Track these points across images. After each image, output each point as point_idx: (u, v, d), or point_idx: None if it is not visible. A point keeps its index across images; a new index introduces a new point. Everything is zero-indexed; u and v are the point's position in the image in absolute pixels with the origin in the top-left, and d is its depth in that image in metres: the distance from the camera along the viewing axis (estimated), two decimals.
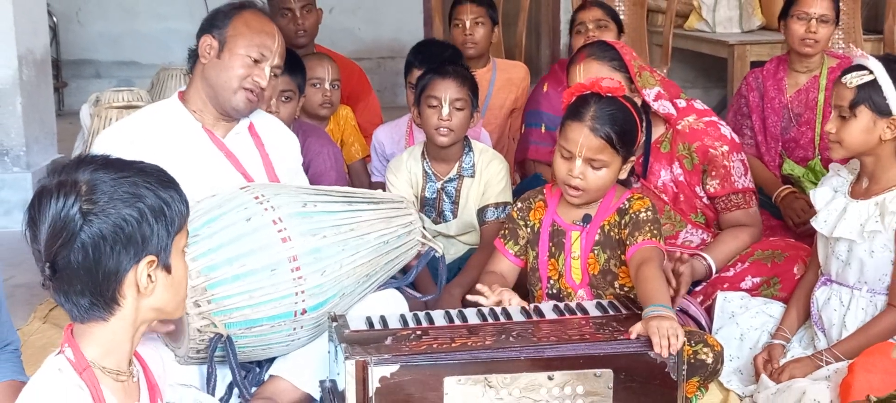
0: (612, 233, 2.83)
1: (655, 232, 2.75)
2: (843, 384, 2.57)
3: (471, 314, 2.64)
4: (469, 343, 2.44)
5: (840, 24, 4.79)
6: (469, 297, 2.75)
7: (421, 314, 2.64)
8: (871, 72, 2.79)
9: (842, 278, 2.91)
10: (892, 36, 5.69)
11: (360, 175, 4.20)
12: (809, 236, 3.28)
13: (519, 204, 2.98)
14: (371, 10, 7.85)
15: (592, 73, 3.10)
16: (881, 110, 2.78)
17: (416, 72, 3.79)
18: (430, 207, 3.53)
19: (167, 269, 1.81)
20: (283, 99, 3.55)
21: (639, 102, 3.12)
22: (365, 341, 2.44)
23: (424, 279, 3.25)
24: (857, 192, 2.92)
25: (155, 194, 1.77)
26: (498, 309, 2.65)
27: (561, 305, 2.69)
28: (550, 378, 2.38)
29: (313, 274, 2.58)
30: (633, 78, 3.21)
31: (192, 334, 2.54)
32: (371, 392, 2.34)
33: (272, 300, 2.55)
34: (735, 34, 6.25)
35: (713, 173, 3.29)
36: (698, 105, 3.42)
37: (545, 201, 2.93)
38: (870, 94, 2.78)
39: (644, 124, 2.94)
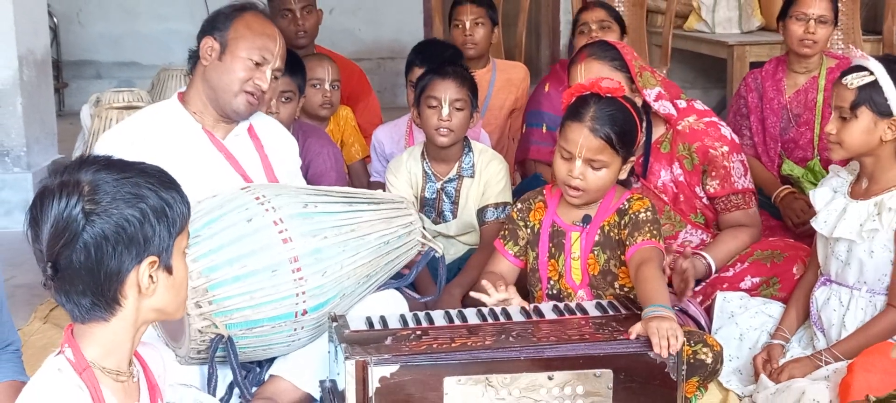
0: (611, 234, 2.84)
1: (655, 232, 2.76)
2: (843, 383, 2.57)
3: (471, 314, 2.65)
4: (469, 344, 2.44)
5: (839, 24, 4.80)
6: (472, 294, 2.75)
7: (421, 314, 2.65)
8: (872, 73, 2.79)
9: (841, 278, 2.92)
10: (891, 36, 5.70)
11: (360, 175, 4.21)
12: (809, 236, 3.28)
13: (519, 205, 2.98)
14: (371, 11, 7.86)
15: (593, 73, 3.11)
16: (882, 111, 2.78)
17: (418, 71, 3.80)
18: (430, 207, 3.54)
19: (168, 270, 1.81)
20: (283, 99, 3.55)
21: (639, 103, 3.13)
22: (365, 341, 2.45)
23: (424, 279, 3.26)
24: (856, 193, 2.92)
25: (157, 195, 1.78)
26: (498, 310, 2.66)
27: (560, 305, 2.70)
28: (550, 378, 2.38)
29: (314, 274, 2.58)
30: (634, 78, 3.22)
31: (193, 335, 2.54)
32: (371, 392, 2.34)
33: (273, 301, 2.56)
34: (734, 35, 6.25)
35: (713, 173, 3.30)
36: (698, 105, 3.42)
37: (545, 202, 2.94)
38: (870, 95, 2.78)
39: (644, 124, 2.94)
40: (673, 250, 3.11)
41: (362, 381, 2.35)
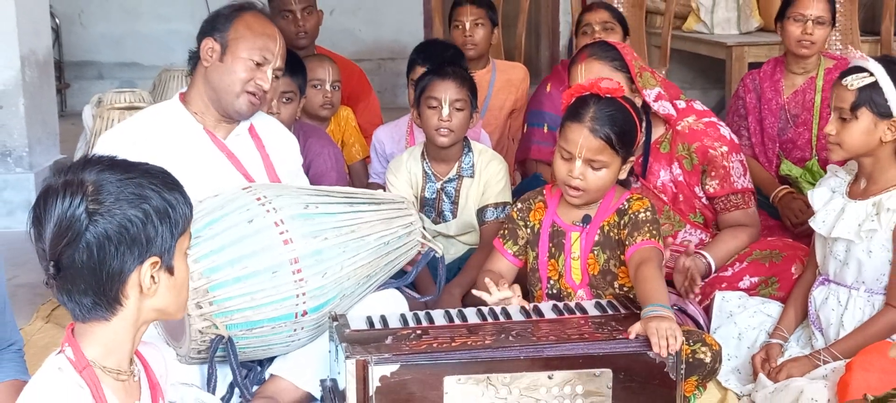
0: (611, 234, 2.85)
1: (654, 232, 2.77)
2: (841, 383, 2.58)
3: (471, 313, 2.65)
4: (469, 343, 2.45)
5: (837, 25, 4.81)
6: (474, 292, 2.76)
7: (421, 313, 2.66)
8: (872, 74, 2.79)
9: (840, 278, 2.92)
10: (888, 37, 5.71)
11: (360, 175, 4.21)
12: (807, 236, 3.29)
13: (519, 205, 2.99)
14: (371, 12, 7.86)
15: (594, 73, 3.11)
16: (882, 112, 2.78)
17: (420, 71, 3.80)
18: (430, 207, 3.55)
19: (170, 271, 1.81)
20: (284, 100, 3.56)
21: (639, 103, 3.13)
22: (365, 340, 2.45)
23: (424, 279, 3.27)
24: (855, 193, 2.93)
25: (160, 196, 1.78)
26: (498, 309, 2.67)
27: (560, 305, 2.71)
28: (550, 378, 2.39)
29: (314, 275, 2.59)
30: (635, 78, 3.22)
31: (193, 335, 2.55)
32: (371, 392, 2.35)
33: (273, 301, 2.56)
34: (733, 35, 6.26)
35: (712, 173, 3.31)
36: (698, 106, 3.43)
37: (545, 202, 2.95)
38: (871, 96, 2.78)
39: (643, 125, 2.95)
40: (673, 248, 3.12)
41: (363, 380, 2.35)
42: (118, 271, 1.75)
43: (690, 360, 2.67)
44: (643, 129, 2.95)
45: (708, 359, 2.73)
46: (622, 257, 2.81)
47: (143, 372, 1.93)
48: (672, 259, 3.19)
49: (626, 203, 2.84)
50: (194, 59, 2.98)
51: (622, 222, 2.82)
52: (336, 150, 3.79)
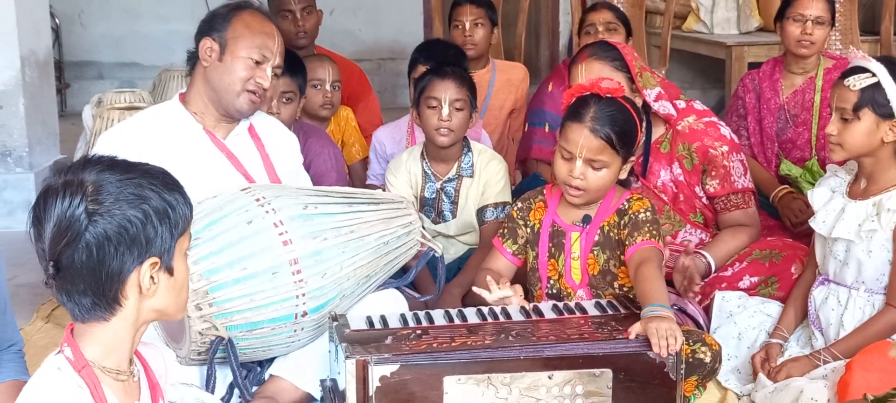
0: (611, 234, 2.85)
1: (654, 232, 2.77)
2: (841, 382, 2.58)
3: (470, 313, 2.66)
4: (469, 343, 2.45)
5: (837, 25, 4.81)
6: (474, 289, 2.76)
7: (421, 313, 2.66)
8: (874, 75, 2.79)
9: (839, 278, 2.92)
10: (888, 37, 5.71)
11: (360, 175, 4.21)
12: (807, 236, 3.29)
13: (519, 204, 2.99)
14: (372, 12, 7.87)
15: (594, 73, 3.12)
16: (883, 113, 2.78)
17: (422, 70, 3.81)
18: (430, 207, 3.55)
19: (170, 271, 1.81)
20: (284, 100, 3.56)
21: (639, 103, 3.14)
22: (365, 340, 2.46)
23: (424, 279, 3.27)
24: (854, 193, 2.93)
25: (160, 196, 1.78)
26: (497, 309, 2.67)
27: (560, 305, 2.71)
28: (550, 378, 2.39)
29: (314, 276, 2.59)
30: (635, 78, 3.23)
31: (193, 336, 2.55)
32: (371, 392, 2.35)
33: (273, 303, 2.57)
34: (733, 35, 6.26)
35: (713, 173, 3.31)
36: (698, 106, 3.43)
37: (545, 201, 2.95)
38: (873, 96, 2.78)
39: (643, 125, 2.95)
40: (672, 248, 3.12)
41: (363, 380, 2.36)
42: (117, 271, 1.75)
43: (690, 360, 2.67)
44: (643, 129, 2.96)
45: (708, 359, 2.73)
46: (622, 257, 2.81)
47: (143, 372, 1.92)
48: (672, 258, 3.19)
49: (626, 203, 2.84)
50: (193, 59, 2.98)
51: (622, 222, 2.82)
52: (336, 150, 3.80)
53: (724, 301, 3.16)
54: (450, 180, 3.53)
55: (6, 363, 2.47)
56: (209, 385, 2.60)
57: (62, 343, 1.82)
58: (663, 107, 3.30)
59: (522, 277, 2.97)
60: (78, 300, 1.77)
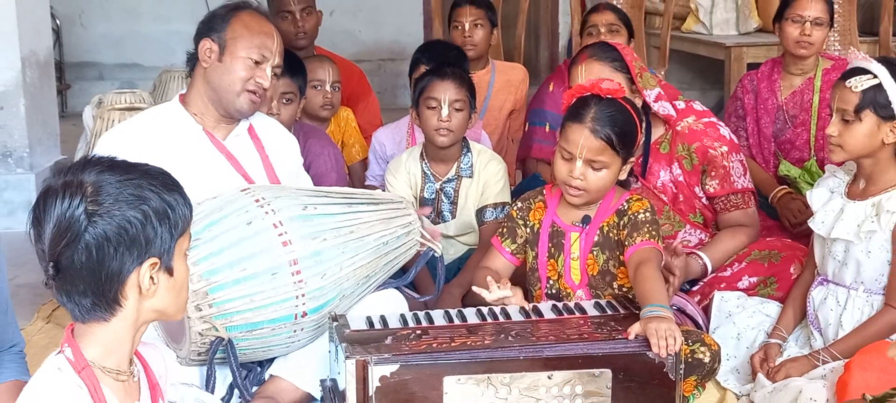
0: (611, 234, 2.85)
1: (654, 233, 2.77)
2: (840, 382, 2.58)
3: (470, 314, 2.66)
4: (468, 343, 2.45)
5: (835, 26, 4.81)
6: (474, 289, 2.76)
7: (421, 313, 2.66)
8: (875, 76, 2.78)
9: (838, 278, 2.93)
10: (887, 37, 5.72)
11: (360, 176, 4.21)
12: (806, 236, 3.29)
13: (519, 204, 3.00)
14: (372, 13, 7.88)
15: (594, 74, 3.12)
16: (885, 114, 2.78)
17: (423, 69, 3.81)
18: (429, 208, 3.55)
19: (169, 272, 1.82)
20: (284, 101, 3.57)
21: (639, 103, 3.14)
22: (365, 340, 2.46)
23: (424, 279, 3.28)
24: (853, 193, 2.93)
25: (159, 197, 1.78)
26: (497, 309, 2.67)
27: (559, 305, 2.71)
28: (550, 378, 2.40)
29: (313, 277, 2.60)
30: (635, 79, 3.23)
31: (193, 337, 2.55)
32: (371, 392, 2.36)
33: (273, 303, 2.57)
34: (732, 36, 6.27)
35: (712, 173, 3.31)
36: (697, 106, 3.43)
37: (545, 202, 2.95)
38: (874, 98, 2.78)
39: (643, 125, 2.96)
40: (670, 251, 3.12)
41: (362, 380, 2.36)
42: (117, 272, 1.76)
43: (689, 360, 2.67)
44: (643, 130, 2.96)
45: (707, 359, 2.73)
46: (621, 257, 2.82)
47: (143, 373, 1.93)
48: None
49: (625, 203, 2.84)
50: (193, 60, 2.98)
51: (622, 223, 2.82)
52: (336, 151, 3.80)
53: (723, 301, 3.16)
54: (449, 181, 3.53)
55: (7, 363, 2.47)
56: (209, 385, 2.60)
57: (62, 343, 1.82)
58: (663, 108, 3.31)
59: (522, 277, 2.98)
60: (78, 300, 1.77)
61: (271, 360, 2.78)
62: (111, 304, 1.78)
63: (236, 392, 2.66)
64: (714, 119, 3.38)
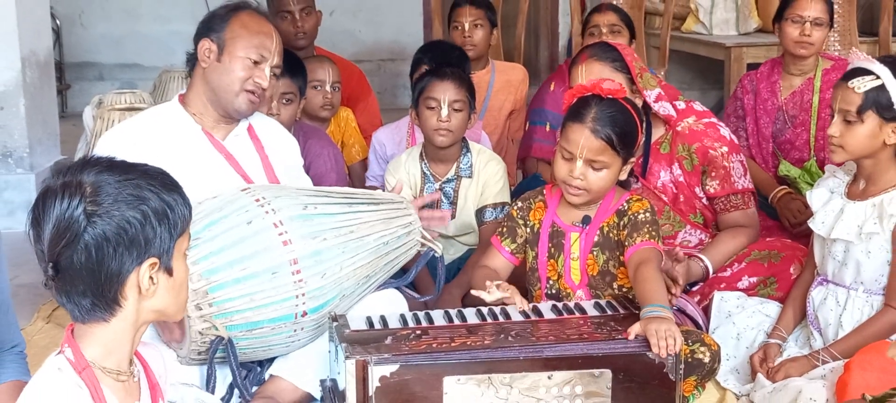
0: (611, 235, 2.85)
1: (654, 233, 2.77)
2: (840, 382, 2.58)
3: (470, 314, 2.66)
4: (468, 343, 2.45)
5: (835, 26, 4.81)
6: (473, 292, 2.76)
7: (420, 314, 2.66)
8: (879, 77, 2.78)
9: (838, 278, 2.93)
10: (887, 37, 5.72)
11: (360, 176, 4.22)
12: (805, 236, 3.29)
13: (519, 204, 3.00)
14: (372, 13, 7.88)
15: (595, 74, 3.12)
16: (887, 115, 2.78)
17: (425, 69, 3.81)
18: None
19: (169, 272, 1.82)
20: (284, 101, 3.57)
21: (639, 104, 3.14)
22: (365, 341, 2.46)
23: (424, 279, 3.28)
24: (853, 193, 2.92)
25: (158, 197, 1.78)
26: (497, 309, 2.67)
27: (559, 305, 2.71)
28: (550, 378, 2.40)
29: (314, 276, 2.60)
30: (635, 79, 3.23)
31: (193, 336, 2.55)
32: (371, 392, 2.36)
33: (273, 303, 2.57)
34: (732, 36, 6.27)
35: (713, 174, 3.31)
36: (698, 106, 3.44)
37: (545, 202, 2.95)
38: (877, 99, 2.77)
39: (644, 125, 2.96)
40: (672, 256, 3.11)
41: (362, 380, 2.36)
42: (117, 272, 1.76)
43: (689, 360, 2.67)
44: (644, 130, 2.96)
45: (707, 359, 2.73)
46: (621, 258, 2.82)
47: (143, 373, 1.93)
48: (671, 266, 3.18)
49: (625, 204, 2.85)
50: (192, 60, 2.99)
51: (622, 223, 2.83)
52: (336, 151, 3.80)
53: (723, 301, 3.16)
54: (449, 181, 3.54)
55: (8, 363, 2.47)
56: (209, 384, 2.60)
57: (63, 343, 1.82)
58: (663, 108, 3.31)
59: (521, 277, 2.98)
60: (77, 301, 1.77)
61: (271, 360, 2.78)
62: (111, 304, 1.78)
63: (236, 391, 2.66)
64: (714, 119, 3.38)
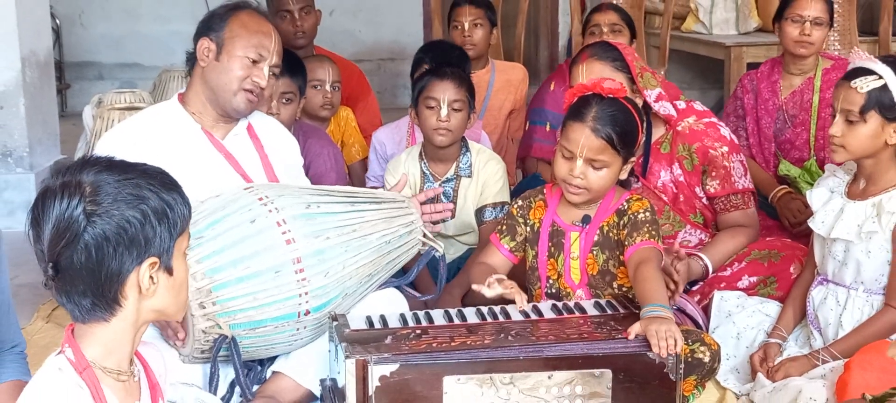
0: (610, 234, 2.85)
1: (653, 232, 2.77)
2: (840, 382, 2.58)
3: (470, 313, 2.66)
4: (468, 343, 2.45)
5: (835, 25, 4.81)
6: (473, 287, 2.76)
7: (421, 313, 2.66)
8: (881, 77, 2.77)
9: (838, 278, 2.93)
10: (887, 37, 5.72)
11: (360, 176, 4.22)
12: (805, 236, 3.29)
13: (519, 202, 3.00)
14: (371, 13, 7.88)
15: (595, 73, 3.12)
16: (890, 115, 2.77)
17: (426, 69, 3.81)
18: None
19: (169, 271, 1.82)
20: (284, 101, 3.57)
21: (640, 103, 3.15)
22: (365, 340, 2.46)
23: (424, 278, 3.28)
24: (853, 193, 2.92)
25: (158, 196, 1.78)
26: (497, 309, 2.67)
27: (559, 305, 2.71)
28: (550, 378, 2.40)
29: (317, 275, 2.60)
30: (636, 79, 3.24)
31: (197, 335, 2.55)
32: (371, 391, 2.36)
33: (276, 301, 2.57)
34: (732, 36, 6.27)
35: (713, 174, 3.32)
36: (698, 106, 3.44)
37: (545, 201, 2.95)
38: (880, 99, 2.77)
39: (644, 125, 2.96)
40: (672, 254, 3.11)
41: (362, 380, 2.36)
42: (117, 272, 1.76)
43: (689, 360, 2.67)
44: (644, 130, 2.96)
45: (707, 359, 2.73)
46: (621, 257, 2.82)
47: (143, 373, 1.93)
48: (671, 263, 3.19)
49: (625, 203, 2.85)
50: (191, 60, 2.99)
51: (621, 222, 2.83)
52: (336, 151, 3.81)
53: (723, 300, 3.16)
54: (448, 180, 3.54)
55: (8, 363, 2.47)
56: (213, 383, 2.60)
57: (63, 343, 1.82)
58: (664, 108, 3.31)
59: (521, 276, 2.97)
60: (77, 301, 1.77)
61: (272, 359, 2.78)
62: (111, 304, 1.78)
63: (237, 390, 2.66)
64: (715, 119, 3.39)
